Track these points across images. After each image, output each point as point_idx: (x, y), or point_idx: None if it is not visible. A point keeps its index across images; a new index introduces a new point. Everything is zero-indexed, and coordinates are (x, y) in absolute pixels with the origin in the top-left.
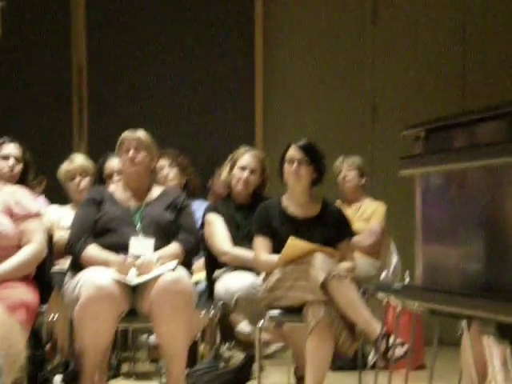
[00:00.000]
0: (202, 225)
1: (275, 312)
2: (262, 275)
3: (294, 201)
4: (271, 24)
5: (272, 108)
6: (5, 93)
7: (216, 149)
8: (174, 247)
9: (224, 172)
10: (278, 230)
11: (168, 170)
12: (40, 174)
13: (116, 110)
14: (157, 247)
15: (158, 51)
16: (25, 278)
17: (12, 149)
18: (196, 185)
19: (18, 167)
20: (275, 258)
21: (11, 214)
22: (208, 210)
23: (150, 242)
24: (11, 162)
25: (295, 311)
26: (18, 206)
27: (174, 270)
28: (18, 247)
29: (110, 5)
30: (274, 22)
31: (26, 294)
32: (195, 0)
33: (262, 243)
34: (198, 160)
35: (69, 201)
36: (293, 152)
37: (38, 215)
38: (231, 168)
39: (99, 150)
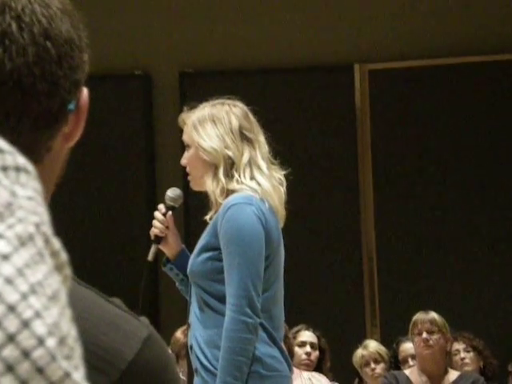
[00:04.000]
0: None
1: None
2: None
3: None
4: None
5: None
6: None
7: None
8: None
9: None
10: None
11: (464, 354)
12: (334, 360)
13: (407, 293)
14: None
15: (452, 233)
16: None
17: (308, 336)
18: (494, 369)
19: (314, 354)
20: None
21: None
22: None
23: None
24: (308, 349)
25: None
26: None
27: None
28: None
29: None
30: None
31: None
32: None
33: None
34: (494, 342)
35: None
36: None
37: None
38: None
39: (392, 335)
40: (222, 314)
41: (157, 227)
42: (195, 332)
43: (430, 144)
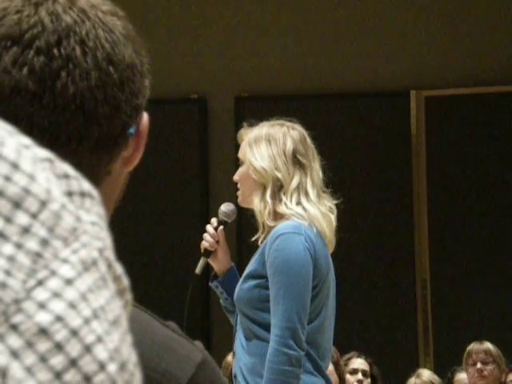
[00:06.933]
0: None
1: None
2: None
3: None
4: None
5: None
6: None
7: None
8: None
9: None
10: None
11: None
12: None
13: (461, 322)
14: None
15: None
16: None
17: (360, 363)
18: None
19: (366, 382)
20: None
21: None
22: None
23: None
24: (359, 376)
25: None
26: None
27: None
28: None
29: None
30: None
31: None
32: None
33: None
34: None
35: None
36: None
37: None
38: None
39: (445, 364)
40: (268, 342)
41: (207, 240)
42: (239, 361)
43: (486, 171)
